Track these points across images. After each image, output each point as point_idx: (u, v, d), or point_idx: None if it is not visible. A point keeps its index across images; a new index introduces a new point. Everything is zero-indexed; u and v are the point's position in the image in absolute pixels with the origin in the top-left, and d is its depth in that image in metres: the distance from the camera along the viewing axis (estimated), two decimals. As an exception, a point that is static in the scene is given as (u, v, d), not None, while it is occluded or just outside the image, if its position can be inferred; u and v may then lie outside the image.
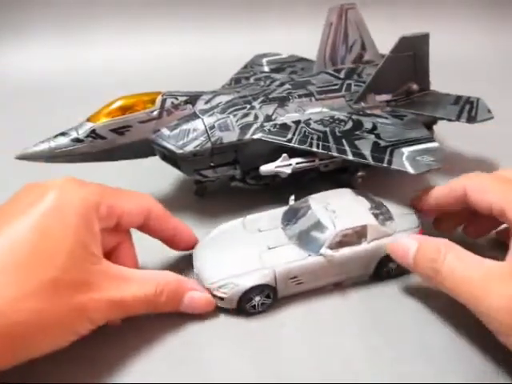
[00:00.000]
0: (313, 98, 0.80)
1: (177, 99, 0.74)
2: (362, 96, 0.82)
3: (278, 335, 0.59)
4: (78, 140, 0.69)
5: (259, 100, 0.77)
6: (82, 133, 0.69)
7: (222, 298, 0.60)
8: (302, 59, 1.03)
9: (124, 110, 0.70)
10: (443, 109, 0.83)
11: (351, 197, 0.68)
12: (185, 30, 1.43)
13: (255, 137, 0.73)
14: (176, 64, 1.32)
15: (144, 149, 0.73)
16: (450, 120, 0.82)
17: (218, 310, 0.61)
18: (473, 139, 0.93)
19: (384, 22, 1.25)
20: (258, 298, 0.60)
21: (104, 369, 0.55)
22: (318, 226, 0.62)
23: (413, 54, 0.81)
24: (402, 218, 0.67)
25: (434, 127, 0.88)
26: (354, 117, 0.79)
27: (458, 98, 0.86)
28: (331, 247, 0.61)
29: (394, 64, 0.81)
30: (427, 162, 0.68)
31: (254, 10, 1.45)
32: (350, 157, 0.70)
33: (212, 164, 0.73)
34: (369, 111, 0.81)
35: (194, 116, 0.73)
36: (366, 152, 0.70)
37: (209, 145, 0.71)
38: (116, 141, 0.70)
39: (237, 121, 0.73)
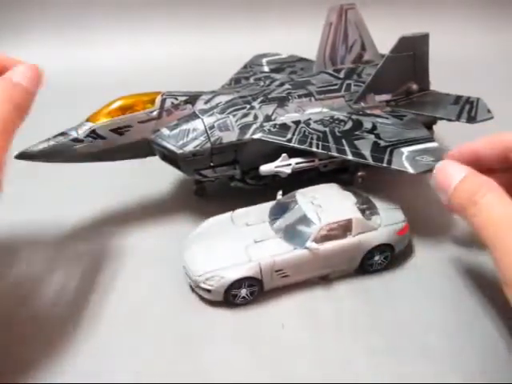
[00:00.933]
0: (312, 98, 0.80)
1: (176, 99, 0.74)
2: (361, 96, 0.82)
3: (278, 335, 0.59)
4: (77, 140, 0.69)
5: (259, 100, 0.77)
6: (81, 133, 0.69)
7: (208, 291, 0.61)
8: (301, 59, 1.03)
9: (124, 109, 0.70)
10: (443, 109, 0.83)
11: (337, 191, 0.69)
12: (185, 29, 1.43)
13: (255, 137, 0.73)
14: (176, 64, 1.32)
15: (144, 149, 0.73)
16: (449, 120, 0.82)
17: (217, 310, 0.62)
18: (473, 139, 0.92)
19: (384, 22, 1.24)
20: (244, 291, 0.61)
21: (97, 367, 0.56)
22: (304, 220, 0.64)
23: (412, 53, 0.81)
24: (388, 212, 0.68)
25: (434, 127, 0.88)
26: (353, 117, 0.79)
27: (458, 98, 0.86)
28: (316, 241, 0.62)
29: (394, 64, 0.81)
30: (427, 162, 0.68)
31: (254, 10, 1.45)
32: (350, 157, 0.70)
33: (212, 164, 0.73)
34: (368, 111, 0.81)
35: (193, 116, 0.73)
36: (366, 152, 0.70)
37: (208, 145, 0.71)
38: (116, 141, 0.70)
39: (236, 121, 0.73)
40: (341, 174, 0.79)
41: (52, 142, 0.68)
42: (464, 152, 0.63)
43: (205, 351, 0.58)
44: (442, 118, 0.83)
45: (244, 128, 0.73)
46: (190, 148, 0.70)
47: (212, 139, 0.71)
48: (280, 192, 0.71)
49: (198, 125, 0.72)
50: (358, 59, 0.93)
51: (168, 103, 0.73)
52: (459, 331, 0.59)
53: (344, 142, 0.72)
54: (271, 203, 0.70)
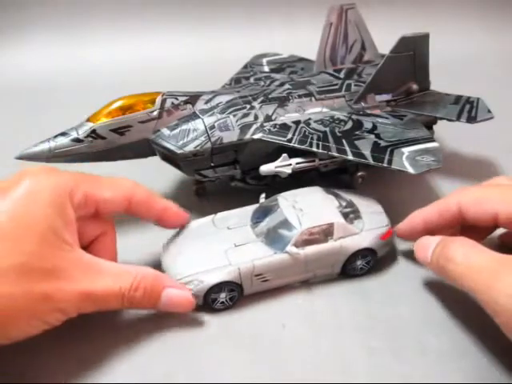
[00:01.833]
0: (313, 98, 0.80)
1: (177, 99, 0.74)
2: (361, 96, 0.82)
3: (278, 335, 0.59)
4: (78, 140, 0.69)
5: (259, 100, 0.77)
6: (82, 133, 0.69)
7: None
8: (301, 59, 1.03)
9: (124, 110, 0.70)
10: (443, 109, 0.83)
11: (320, 195, 0.68)
12: (185, 29, 1.43)
13: (255, 137, 0.73)
14: (176, 64, 1.32)
15: (144, 149, 0.73)
16: (450, 120, 0.82)
17: (215, 312, 0.61)
18: (473, 139, 0.93)
19: (384, 22, 1.24)
20: (223, 295, 0.60)
21: (93, 369, 0.55)
22: (285, 224, 0.63)
23: (413, 53, 0.81)
24: (371, 216, 0.67)
25: (434, 127, 0.88)
26: (353, 117, 0.79)
27: (458, 98, 0.86)
28: (297, 245, 0.61)
29: (394, 64, 0.81)
30: (427, 162, 0.68)
31: (254, 10, 1.45)
32: (350, 157, 0.70)
33: (212, 164, 0.73)
34: (369, 111, 0.81)
35: (194, 116, 0.73)
36: (366, 152, 0.70)
37: (209, 145, 0.71)
38: (116, 141, 0.70)
39: (237, 121, 0.73)
40: (341, 174, 0.79)
41: (52, 142, 0.68)
42: (413, 225, 0.65)
43: (205, 351, 0.58)
44: (442, 118, 0.83)
45: (244, 128, 0.73)
46: (190, 148, 0.70)
47: (212, 139, 0.71)
48: (263, 195, 0.70)
49: (198, 125, 0.72)
50: (358, 59, 0.93)
51: (168, 103, 0.73)
52: (459, 331, 0.59)
53: (344, 141, 0.72)
54: (254, 206, 0.69)
